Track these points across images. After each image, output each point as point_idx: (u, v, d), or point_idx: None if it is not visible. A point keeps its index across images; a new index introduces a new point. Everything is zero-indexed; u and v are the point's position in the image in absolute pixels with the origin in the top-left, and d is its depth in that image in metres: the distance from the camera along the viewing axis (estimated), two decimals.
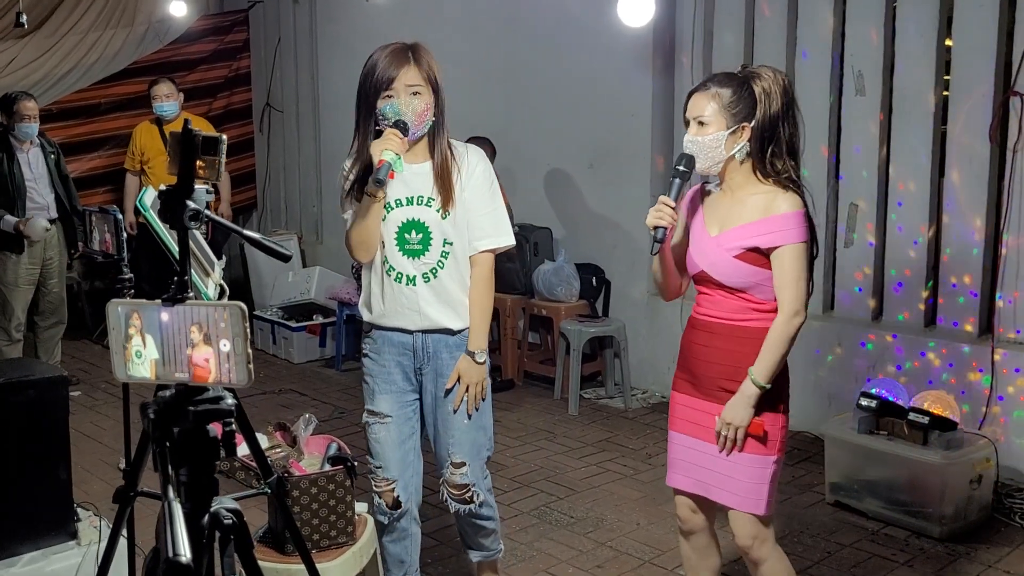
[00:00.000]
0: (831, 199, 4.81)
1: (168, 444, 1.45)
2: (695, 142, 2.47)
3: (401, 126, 2.55)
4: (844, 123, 4.73)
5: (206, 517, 1.51)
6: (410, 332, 2.71)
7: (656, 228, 2.48)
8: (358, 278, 6.09)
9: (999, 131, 4.23)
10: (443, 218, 2.66)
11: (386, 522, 2.80)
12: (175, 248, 1.93)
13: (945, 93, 4.45)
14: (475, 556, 3.01)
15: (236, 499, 1.76)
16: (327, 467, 2.68)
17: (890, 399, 3.96)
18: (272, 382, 5.91)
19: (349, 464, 2.64)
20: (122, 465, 3.21)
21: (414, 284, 2.67)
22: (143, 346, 1.46)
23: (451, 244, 2.68)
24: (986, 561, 3.54)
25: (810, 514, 3.96)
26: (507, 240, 2.74)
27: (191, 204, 1.68)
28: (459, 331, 2.73)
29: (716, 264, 2.49)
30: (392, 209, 2.66)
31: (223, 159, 1.69)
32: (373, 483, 2.77)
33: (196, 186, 1.71)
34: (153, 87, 6.11)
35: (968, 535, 3.71)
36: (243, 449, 2.57)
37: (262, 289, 7.12)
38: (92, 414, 5.24)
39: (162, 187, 1.72)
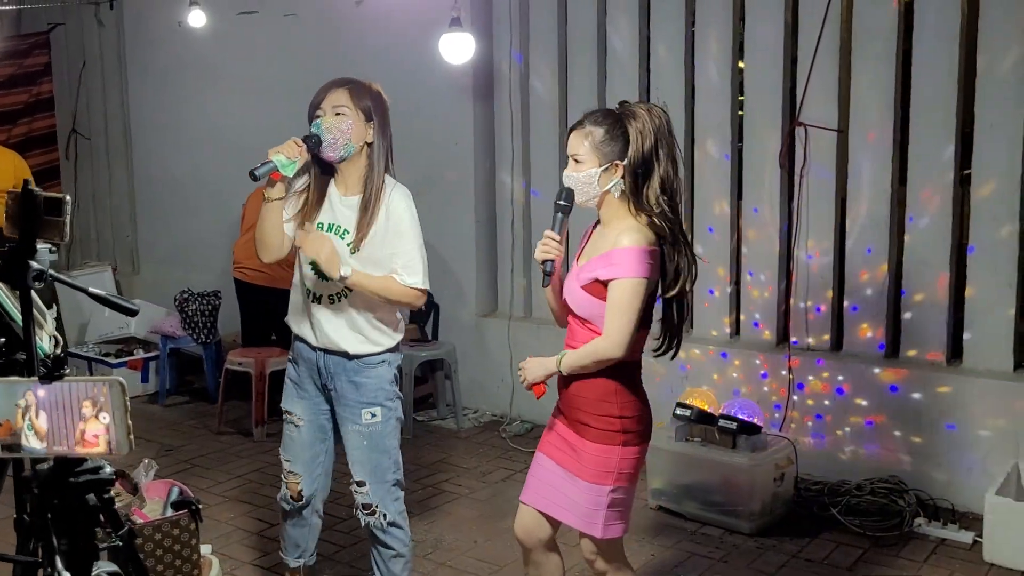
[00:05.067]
0: None
1: (50, 516, 1.45)
2: (572, 178, 2.56)
3: (313, 139, 2.73)
4: None
5: None
6: (313, 348, 2.90)
7: (544, 262, 2.57)
8: (181, 310, 5.94)
9: (788, 158, 4.66)
10: (351, 252, 2.79)
11: (288, 509, 3.05)
12: (9, 307, 1.92)
13: (741, 114, 4.86)
14: None
15: None
16: (170, 512, 2.67)
17: (702, 408, 4.28)
18: None
19: (193, 507, 2.64)
20: None
21: (319, 303, 2.86)
22: (35, 419, 1.46)
23: None
24: (790, 552, 3.89)
25: (635, 519, 4.17)
26: (411, 282, 2.83)
27: (35, 265, 1.69)
28: (356, 356, 2.87)
29: (571, 293, 2.60)
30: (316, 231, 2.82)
31: (68, 220, 1.70)
32: (283, 473, 3.03)
33: (39, 246, 1.71)
34: None
35: (774, 529, 4.06)
36: None
37: (76, 324, 6.79)
38: None
39: None
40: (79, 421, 1.42)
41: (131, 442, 1.44)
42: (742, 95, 4.84)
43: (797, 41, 4.59)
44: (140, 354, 6.27)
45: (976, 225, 4.22)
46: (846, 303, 4.58)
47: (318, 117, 2.79)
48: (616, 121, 2.52)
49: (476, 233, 5.65)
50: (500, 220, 5.67)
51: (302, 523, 3.09)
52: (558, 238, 2.57)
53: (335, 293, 2.85)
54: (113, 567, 1.56)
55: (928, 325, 4.36)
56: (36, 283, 1.66)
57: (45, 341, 2.22)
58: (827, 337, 4.63)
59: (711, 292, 4.95)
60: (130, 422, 1.42)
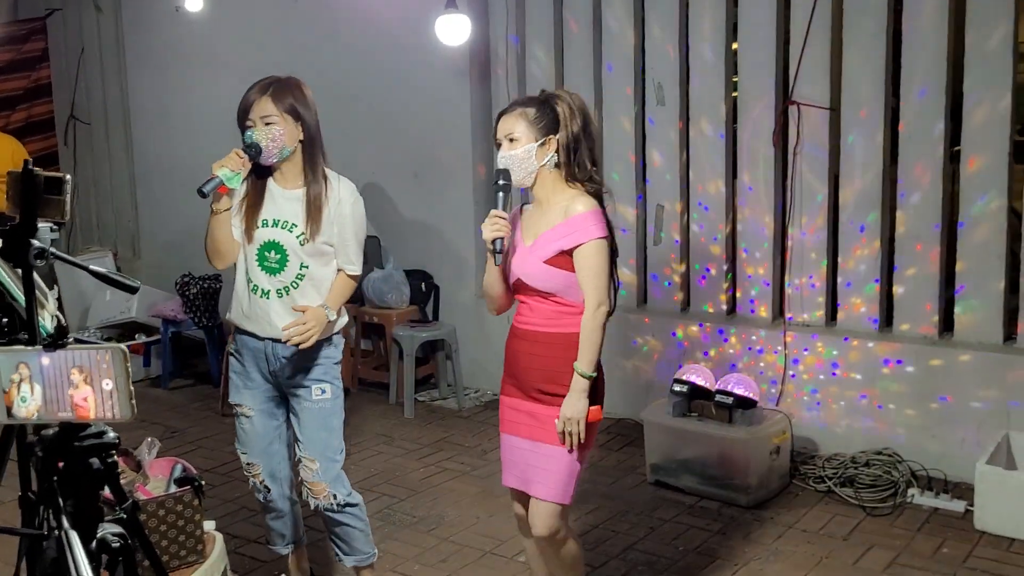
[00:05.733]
0: (639, 201, 5.18)
1: (56, 478, 1.51)
2: (509, 157, 2.68)
3: (253, 150, 2.81)
4: (648, 131, 5.11)
5: (94, 543, 1.58)
6: (261, 339, 2.96)
7: (494, 240, 2.66)
8: (182, 294, 6.00)
9: (781, 136, 4.70)
10: (302, 244, 2.88)
11: (262, 501, 3.13)
12: (11, 286, 1.97)
13: (735, 94, 4.89)
14: (349, 561, 3.15)
15: None
16: (174, 488, 2.73)
17: (699, 383, 4.34)
18: None
19: (196, 484, 2.70)
20: None
21: (267, 297, 2.93)
22: (30, 392, 1.52)
23: (307, 268, 2.90)
24: (787, 523, 3.95)
25: (634, 494, 4.28)
26: (355, 270, 3.04)
27: (35, 243, 1.73)
28: None
29: (530, 272, 2.70)
30: (259, 228, 2.90)
31: (68, 199, 1.75)
32: (243, 468, 3.11)
33: (40, 224, 1.76)
34: None
35: (771, 501, 4.13)
36: None
37: (78, 310, 6.84)
38: None
39: None
40: (70, 388, 1.49)
41: (133, 407, 1.50)
42: (735, 75, 4.87)
43: (789, 21, 4.62)
44: (142, 338, 6.32)
45: (966, 201, 4.26)
46: (840, 279, 4.63)
47: (249, 127, 2.85)
48: (543, 102, 2.71)
49: (475, 214, 5.68)
50: None
51: (279, 514, 3.17)
52: (505, 216, 2.67)
53: (282, 288, 2.93)
54: (118, 528, 1.62)
55: (920, 299, 4.41)
56: (38, 261, 1.71)
57: (47, 320, 2.27)
58: (821, 312, 4.68)
59: (707, 269, 4.99)
60: (132, 388, 1.48)
